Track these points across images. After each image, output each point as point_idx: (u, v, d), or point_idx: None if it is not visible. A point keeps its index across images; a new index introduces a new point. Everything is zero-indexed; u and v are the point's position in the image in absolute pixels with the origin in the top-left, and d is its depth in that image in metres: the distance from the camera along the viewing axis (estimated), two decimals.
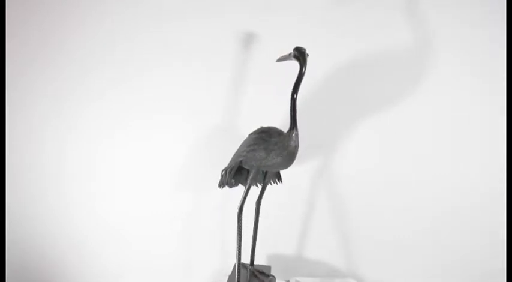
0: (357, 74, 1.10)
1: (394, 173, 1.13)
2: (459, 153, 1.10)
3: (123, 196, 1.22)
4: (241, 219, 0.86)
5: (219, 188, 0.96)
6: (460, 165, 1.10)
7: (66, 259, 1.28)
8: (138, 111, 1.18)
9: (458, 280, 1.14)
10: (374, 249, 1.16)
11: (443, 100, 1.08)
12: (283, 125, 0.83)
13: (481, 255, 1.12)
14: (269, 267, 1.03)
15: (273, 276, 0.97)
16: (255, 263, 1.01)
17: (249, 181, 0.85)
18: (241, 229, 0.86)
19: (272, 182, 0.96)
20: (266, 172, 0.93)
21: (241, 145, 0.92)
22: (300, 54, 0.78)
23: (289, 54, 0.80)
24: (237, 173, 0.93)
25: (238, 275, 0.87)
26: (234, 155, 0.93)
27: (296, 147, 0.77)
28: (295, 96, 0.77)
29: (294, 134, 0.77)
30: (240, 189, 0.91)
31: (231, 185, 0.93)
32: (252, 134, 0.89)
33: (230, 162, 0.93)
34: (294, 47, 0.79)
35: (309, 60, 0.78)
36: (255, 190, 0.91)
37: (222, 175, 0.94)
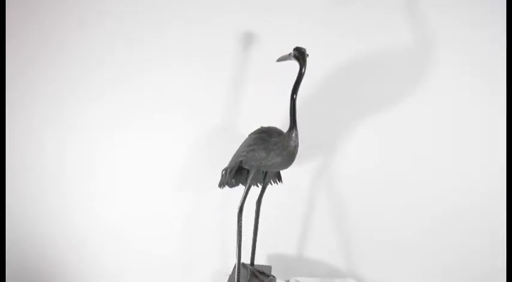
0: (357, 74, 1.10)
1: (394, 173, 1.13)
2: (459, 153, 1.10)
3: (123, 196, 1.22)
4: (241, 219, 0.86)
5: (219, 188, 0.96)
6: (460, 165, 1.10)
7: (66, 259, 1.28)
8: (138, 111, 1.18)
9: (458, 280, 1.14)
10: (374, 249, 1.16)
11: (443, 100, 1.08)
12: (283, 125, 0.83)
13: (481, 255, 1.12)
14: (269, 267, 1.03)
15: (273, 276, 0.97)
16: (255, 263, 1.01)
17: (249, 181, 0.85)
18: (241, 229, 0.86)
19: (272, 182, 0.96)
20: (266, 172, 0.93)
21: (241, 145, 0.92)
22: (299, 54, 0.77)
23: (289, 54, 0.80)
24: (237, 173, 0.93)
25: (238, 275, 0.87)
26: (234, 155, 0.93)
27: (296, 147, 0.77)
28: (294, 96, 0.77)
29: (293, 134, 0.77)
30: (240, 189, 0.91)
31: (231, 185, 0.94)
32: (252, 134, 0.89)
33: (230, 162, 0.93)
34: (294, 47, 0.79)
35: (308, 60, 0.78)
36: (255, 190, 0.91)
37: (222, 175, 0.94)
